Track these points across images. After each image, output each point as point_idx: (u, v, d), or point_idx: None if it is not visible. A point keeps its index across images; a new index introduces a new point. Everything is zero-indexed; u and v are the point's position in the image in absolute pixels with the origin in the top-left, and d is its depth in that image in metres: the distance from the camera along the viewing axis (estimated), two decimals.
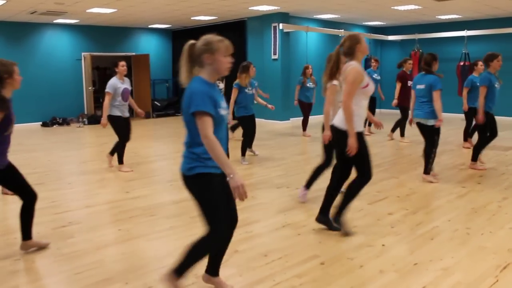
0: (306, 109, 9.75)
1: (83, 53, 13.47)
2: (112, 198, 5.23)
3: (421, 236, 3.95)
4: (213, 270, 2.96)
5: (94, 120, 12.87)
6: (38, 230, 4.14)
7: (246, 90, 6.80)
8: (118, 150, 6.58)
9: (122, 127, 6.50)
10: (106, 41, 13.94)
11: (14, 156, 7.81)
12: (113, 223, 4.36)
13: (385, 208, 4.72)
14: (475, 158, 6.43)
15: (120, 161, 6.61)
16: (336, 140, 3.96)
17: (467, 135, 8.28)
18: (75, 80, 13.29)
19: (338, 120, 3.88)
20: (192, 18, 12.53)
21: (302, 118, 9.99)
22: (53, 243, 3.83)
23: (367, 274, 3.22)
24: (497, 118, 6.48)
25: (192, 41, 2.70)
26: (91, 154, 8.22)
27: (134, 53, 14.50)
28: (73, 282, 3.14)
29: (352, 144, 3.68)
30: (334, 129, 3.93)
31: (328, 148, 4.66)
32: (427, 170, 5.78)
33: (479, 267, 3.31)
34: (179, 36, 15.20)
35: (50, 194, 5.41)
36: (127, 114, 6.57)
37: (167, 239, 3.95)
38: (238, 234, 4.01)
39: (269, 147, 8.47)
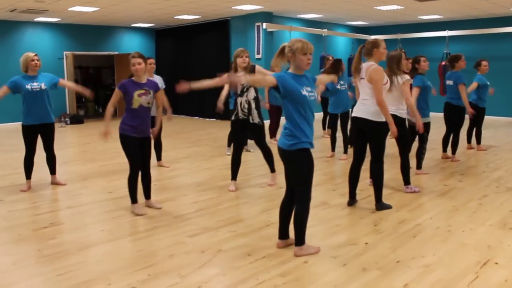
0: (276, 113, 8.70)
1: (65, 52, 13.32)
2: (95, 198, 5.18)
3: (404, 234, 4.00)
4: (286, 234, 3.66)
5: (76, 120, 12.73)
6: (18, 232, 4.09)
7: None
8: (155, 147, 6.65)
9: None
10: (88, 40, 13.80)
11: None
12: (95, 224, 4.32)
13: (368, 206, 4.76)
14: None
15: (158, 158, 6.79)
16: (366, 130, 4.53)
17: (470, 137, 8.06)
18: None
19: (366, 113, 4.45)
20: (175, 17, 12.47)
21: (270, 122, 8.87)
22: (33, 245, 3.78)
23: (350, 272, 3.25)
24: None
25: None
26: (73, 154, 8.13)
27: (117, 52, 14.37)
28: (55, 283, 3.10)
29: (394, 130, 4.48)
30: (362, 120, 4.47)
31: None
32: (420, 165, 6.17)
33: (460, 264, 3.36)
34: (162, 35, 15.12)
35: (31, 195, 5.33)
36: (155, 113, 6.51)
37: (150, 239, 3.93)
38: (221, 233, 4.02)
39: (253, 146, 8.46)
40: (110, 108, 4.48)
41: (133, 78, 4.46)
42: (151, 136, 4.67)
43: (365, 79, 4.47)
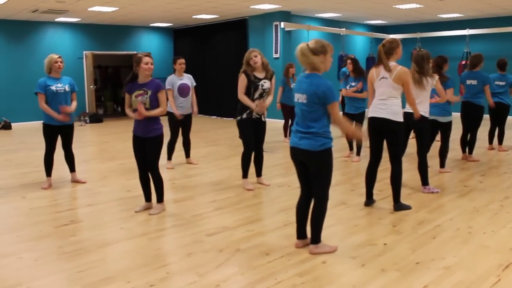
0: (289, 113, 8.60)
1: (84, 52, 13.48)
2: (114, 196, 5.23)
3: (423, 235, 3.95)
4: (304, 233, 3.67)
5: (95, 118, 12.88)
6: (39, 229, 4.16)
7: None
8: (169, 145, 6.71)
9: (174, 125, 6.64)
10: (107, 39, 13.95)
11: (16, 154, 7.87)
12: (115, 222, 4.37)
13: (386, 207, 4.72)
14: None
15: (169, 158, 6.78)
16: (385, 130, 4.52)
17: (492, 138, 7.87)
18: (77, 79, 13.01)
19: (387, 113, 4.44)
20: (193, 16, 12.53)
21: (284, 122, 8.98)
22: (54, 242, 3.84)
23: (369, 273, 3.22)
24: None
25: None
26: (92, 153, 8.23)
27: (135, 52, 14.49)
28: (75, 280, 3.14)
29: (418, 114, 4.84)
30: (382, 120, 4.46)
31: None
32: (443, 164, 6.25)
33: (481, 266, 3.31)
34: (180, 35, 15.20)
35: (52, 192, 5.42)
36: (187, 112, 6.69)
37: (169, 237, 3.96)
38: (239, 232, 4.03)
39: (270, 146, 8.46)
40: (128, 111, 4.50)
41: (137, 79, 4.43)
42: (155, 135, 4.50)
43: (390, 79, 4.40)
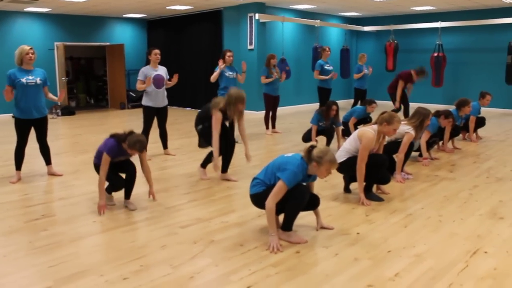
0: (272, 103, 8.73)
1: (55, 43, 13.19)
2: (87, 190, 5.16)
3: (395, 223, 4.03)
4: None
5: (67, 111, 12.64)
6: (9, 224, 4.07)
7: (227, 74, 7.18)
8: (160, 137, 6.88)
9: (149, 116, 6.72)
10: (79, 30, 13.67)
11: None
12: (87, 215, 4.30)
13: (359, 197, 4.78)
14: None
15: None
16: None
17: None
18: (48, 71, 12.62)
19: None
20: (167, 7, 12.37)
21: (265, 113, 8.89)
22: (25, 237, 3.77)
23: (342, 262, 3.27)
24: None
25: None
26: (64, 146, 8.09)
27: (108, 43, 14.26)
28: (46, 275, 3.09)
29: None
30: None
31: None
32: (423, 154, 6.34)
33: (450, 253, 3.39)
34: (154, 26, 15.01)
35: (23, 186, 5.31)
36: (162, 104, 6.70)
37: (143, 230, 3.93)
38: (214, 224, 4.03)
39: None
40: (103, 178, 4.27)
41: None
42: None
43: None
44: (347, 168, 4.66)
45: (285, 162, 3.50)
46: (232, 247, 3.52)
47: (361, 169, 4.48)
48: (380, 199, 4.68)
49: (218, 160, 5.18)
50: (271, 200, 3.39)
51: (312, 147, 3.44)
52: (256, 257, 3.34)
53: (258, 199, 3.61)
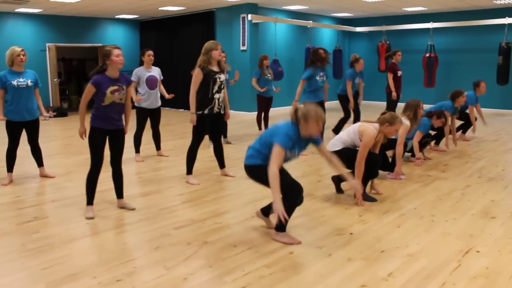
0: (265, 104, 8.63)
1: (47, 44, 13.11)
2: (80, 191, 5.12)
3: (388, 224, 4.04)
4: (267, 212, 3.92)
5: (60, 113, 12.56)
6: (1, 226, 4.04)
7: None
8: (135, 138, 6.78)
9: (142, 118, 6.70)
10: (71, 31, 13.60)
11: None
12: (80, 217, 4.28)
13: (353, 197, 4.79)
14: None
15: (137, 150, 6.80)
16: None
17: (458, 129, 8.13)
18: (40, 72, 12.60)
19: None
20: (160, 8, 12.35)
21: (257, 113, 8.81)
22: (17, 239, 3.74)
23: (336, 262, 3.28)
24: None
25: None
26: (57, 148, 8.04)
27: (101, 44, 14.19)
28: (39, 277, 3.07)
29: None
30: None
31: None
32: (416, 154, 6.32)
33: (443, 253, 3.41)
34: (147, 27, 14.96)
35: (14, 188, 5.27)
36: (155, 105, 6.68)
37: (136, 232, 3.91)
38: (207, 225, 4.02)
39: (237, 138, 8.47)
40: (84, 106, 4.32)
41: (106, 72, 4.16)
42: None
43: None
44: (339, 158, 4.62)
45: (277, 128, 3.58)
46: (225, 248, 3.52)
47: (360, 166, 4.49)
48: (373, 200, 4.69)
49: (193, 116, 5.22)
50: (274, 166, 3.38)
51: (297, 109, 3.53)
52: (250, 258, 3.34)
53: (254, 171, 3.66)
